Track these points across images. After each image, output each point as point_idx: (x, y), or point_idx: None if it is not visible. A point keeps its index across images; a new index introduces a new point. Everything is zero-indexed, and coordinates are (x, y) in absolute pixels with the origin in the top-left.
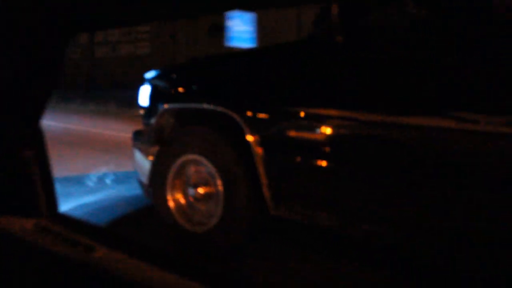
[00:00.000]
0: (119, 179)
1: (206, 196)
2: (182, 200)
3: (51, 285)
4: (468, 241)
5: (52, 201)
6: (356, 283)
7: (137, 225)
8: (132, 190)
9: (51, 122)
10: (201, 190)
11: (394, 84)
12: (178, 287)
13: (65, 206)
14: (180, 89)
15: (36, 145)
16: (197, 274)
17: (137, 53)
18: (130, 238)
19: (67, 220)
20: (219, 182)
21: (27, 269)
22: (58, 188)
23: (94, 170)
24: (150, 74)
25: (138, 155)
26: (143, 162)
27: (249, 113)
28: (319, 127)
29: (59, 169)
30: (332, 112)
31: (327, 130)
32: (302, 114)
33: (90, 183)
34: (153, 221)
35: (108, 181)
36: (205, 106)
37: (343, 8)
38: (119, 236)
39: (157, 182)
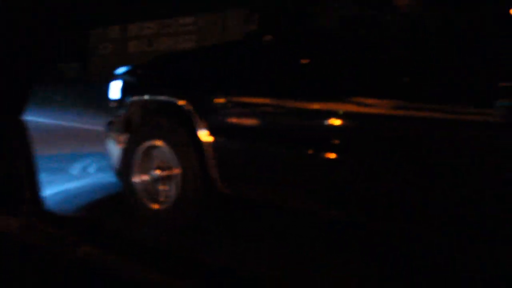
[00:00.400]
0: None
1: (167, 178)
2: (147, 181)
3: (39, 281)
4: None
5: (37, 197)
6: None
7: (111, 208)
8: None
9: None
10: (162, 172)
11: (312, 76)
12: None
13: (45, 192)
14: (143, 83)
15: (20, 139)
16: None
17: (178, 47)
18: (114, 232)
19: (52, 216)
20: (177, 165)
21: (16, 266)
22: (41, 176)
23: (79, 160)
24: (120, 70)
25: (110, 143)
26: (114, 149)
27: (196, 104)
28: (249, 113)
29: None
30: (259, 100)
31: (254, 116)
32: (236, 102)
33: (74, 172)
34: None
35: (91, 169)
36: (162, 98)
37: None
38: (103, 231)
39: (126, 166)
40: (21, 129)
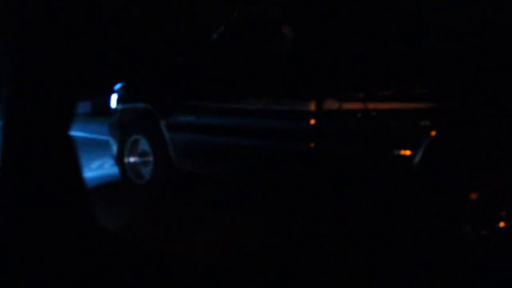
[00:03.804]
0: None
1: (145, 162)
2: (133, 164)
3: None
4: None
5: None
6: None
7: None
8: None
9: None
10: (142, 158)
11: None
12: None
13: None
14: (129, 94)
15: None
16: None
17: None
18: None
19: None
20: (150, 153)
21: None
22: None
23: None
24: (117, 86)
25: (111, 139)
26: (113, 143)
27: (159, 108)
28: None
29: None
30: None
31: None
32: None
33: (93, 166)
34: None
35: (106, 165)
36: (139, 104)
37: None
38: None
39: (120, 154)
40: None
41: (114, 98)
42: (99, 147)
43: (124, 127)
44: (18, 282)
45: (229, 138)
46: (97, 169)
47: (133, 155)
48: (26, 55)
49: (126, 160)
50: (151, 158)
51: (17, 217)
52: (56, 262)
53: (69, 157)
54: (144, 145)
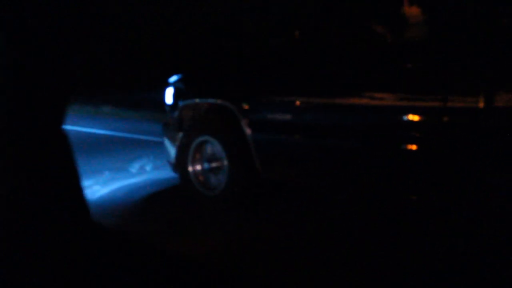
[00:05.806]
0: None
1: (216, 169)
2: (200, 172)
3: None
4: None
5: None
6: None
7: (162, 199)
8: (165, 174)
9: None
10: (213, 164)
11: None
12: None
13: (111, 187)
14: (192, 88)
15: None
16: None
17: None
18: None
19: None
20: (225, 158)
21: None
22: (107, 175)
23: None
24: (173, 78)
25: (167, 141)
26: (170, 146)
27: (241, 104)
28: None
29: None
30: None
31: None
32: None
33: (133, 170)
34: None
35: (148, 168)
36: (209, 100)
37: None
38: None
39: (181, 159)
40: (63, 139)
41: (169, 93)
42: (128, 147)
43: (185, 127)
44: (15, 282)
45: (344, 141)
46: (139, 174)
47: (200, 161)
48: (16, 49)
49: (190, 166)
50: (224, 163)
51: (10, 215)
52: (52, 261)
53: (62, 152)
54: (214, 148)
